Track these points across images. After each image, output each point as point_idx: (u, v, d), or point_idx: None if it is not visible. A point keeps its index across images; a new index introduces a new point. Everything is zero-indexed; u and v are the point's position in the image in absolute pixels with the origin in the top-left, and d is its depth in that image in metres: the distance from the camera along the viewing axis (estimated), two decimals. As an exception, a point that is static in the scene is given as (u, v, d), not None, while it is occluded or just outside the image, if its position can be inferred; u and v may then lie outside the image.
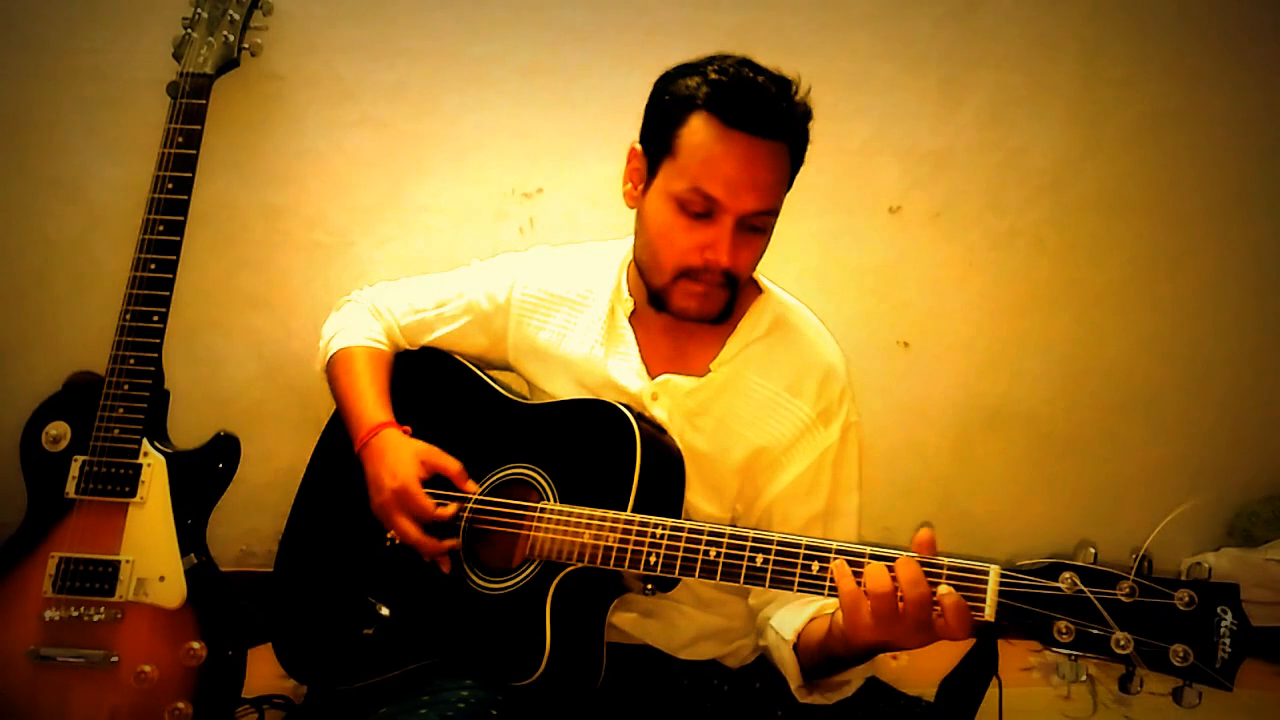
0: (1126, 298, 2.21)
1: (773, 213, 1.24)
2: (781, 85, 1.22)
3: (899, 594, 0.99)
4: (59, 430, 1.55)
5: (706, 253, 1.22)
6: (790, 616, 1.24)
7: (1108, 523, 2.25)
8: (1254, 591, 2.10)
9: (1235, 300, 2.23)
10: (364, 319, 1.52)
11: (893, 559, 1.02)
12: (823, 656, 1.17)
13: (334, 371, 1.48)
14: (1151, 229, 2.18)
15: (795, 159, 1.25)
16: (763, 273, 1.42)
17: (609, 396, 1.33)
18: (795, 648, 1.21)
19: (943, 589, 0.99)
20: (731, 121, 1.18)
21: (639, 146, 1.29)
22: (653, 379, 1.34)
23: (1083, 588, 0.94)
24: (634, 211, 1.32)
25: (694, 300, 1.26)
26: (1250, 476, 2.30)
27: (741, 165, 1.18)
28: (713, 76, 1.20)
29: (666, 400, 1.33)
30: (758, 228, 1.24)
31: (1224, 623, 0.90)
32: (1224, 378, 2.26)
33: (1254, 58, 2.11)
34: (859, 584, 1.02)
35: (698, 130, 1.20)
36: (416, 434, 1.38)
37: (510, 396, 1.42)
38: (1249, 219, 2.20)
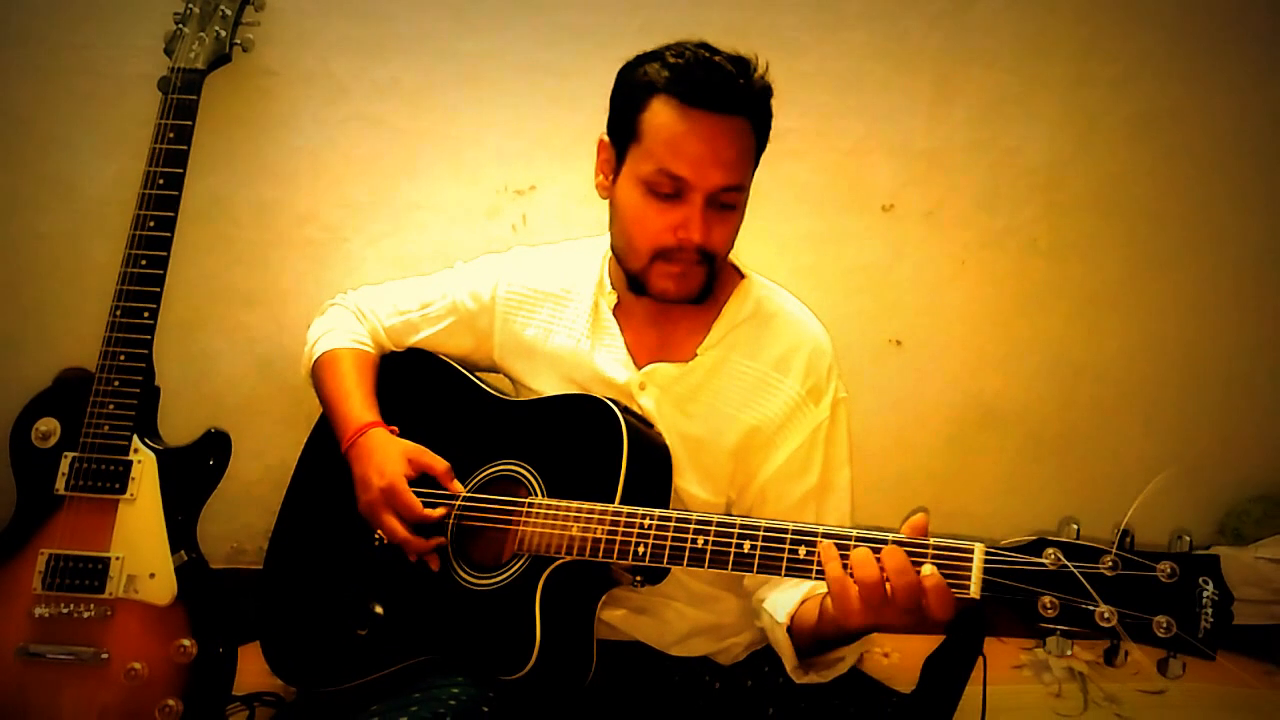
0: (1119, 297, 2.21)
1: (740, 188, 1.25)
2: (739, 63, 1.23)
3: (886, 580, 1.00)
4: (49, 426, 1.55)
5: (679, 232, 1.23)
6: (782, 598, 1.25)
7: (1100, 520, 2.23)
8: (1244, 590, 2.10)
9: (1228, 299, 2.24)
10: (349, 322, 1.52)
11: (880, 543, 1.03)
12: (815, 639, 1.18)
13: (320, 374, 1.48)
14: (1144, 228, 2.19)
15: (759, 134, 1.26)
16: (756, 270, 1.42)
17: (597, 389, 1.33)
18: (789, 630, 1.22)
19: (926, 569, 1.00)
20: (691, 100, 1.20)
21: (606, 138, 1.31)
22: (640, 369, 1.34)
23: (1066, 563, 0.95)
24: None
25: (672, 281, 1.27)
26: (1241, 475, 2.31)
27: (704, 143, 1.20)
28: (670, 60, 1.23)
29: (655, 389, 1.33)
30: (728, 204, 1.25)
31: (1205, 593, 0.92)
32: (1216, 377, 2.27)
33: (1248, 57, 2.11)
34: (846, 569, 1.02)
35: (659, 113, 1.22)
36: (404, 434, 1.38)
37: (497, 394, 1.42)
38: (1242, 219, 2.20)
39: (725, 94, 1.21)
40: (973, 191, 2.13)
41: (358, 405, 1.40)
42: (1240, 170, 2.18)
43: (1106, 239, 2.18)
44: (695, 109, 1.20)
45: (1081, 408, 2.26)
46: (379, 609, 1.33)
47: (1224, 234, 2.20)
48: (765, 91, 1.26)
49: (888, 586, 1.00)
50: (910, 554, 1.01)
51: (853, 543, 1.04)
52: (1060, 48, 2.08)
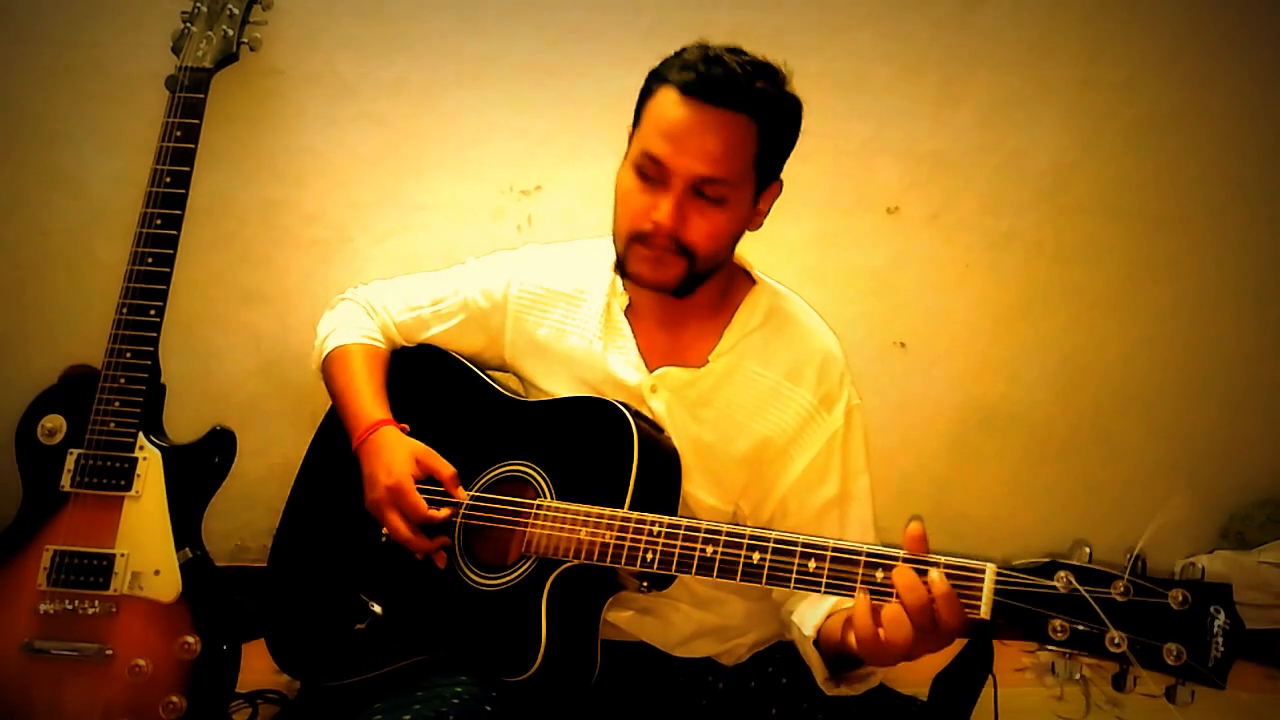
0: (1123, 300, 2.22)
1: (725, 182, 1.23)
2: (757, 66, 1.23)
3: (915, 625, 0.99)
4: (54, 423, 1.55)
5: (654, 214, 1.23)
6: (810, 612, 1.24)
7: (1103, 525, 2.25)
8: (1247, 594, 2.10)
9: (1232, 303, 2.24)
10: (359, 317, 1.52)
11: (891, 559, 1.03)
12: (841, 655, 1.17)
13: (330, 369, 1.48)
14: (1149, 232, 2.19)
15: (765, 137, 1.24)
16: (761, 272, 1.42)
17: (609, 390, 1.33)
18: (817, 643, 1.22)
19: (933, 574, 0.99)
20: (688, 90, 1.21)
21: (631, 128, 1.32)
22: (651, 372, 1.34)
23: (1078, 586, 0.95)
24: None
25: (646, 265, 1.27)
26: (1244, 479, 2.31)
27: (688, 128, 1.21)
28: (687, 56, 1.24)
29: (665, 393, 1.33)
30: (709, 197, 1.23)
31: (1217, 622, 0.91)
32: (1220, 381, 2.27)
33: (1253, 60, 2.12)
34: (875, 621, 1.02)
35: (660, 100, 1.24)
36: (414, 431, 1.38)
37: (507, 394, 1.42)
38: (1247, 222, 2.20)
39: (722, 87, 1.20)
40: (978, 194, 2.13)
41: (369, 402, 1.40)
42: (1244, 174, 2.18)
43: (1111, 242, 2.18)
44: (691, 98, 1.21)
45: (1084, 411, 2.26)
46: (376, 608, 1.33)
47: (1228, 238, 2.21)
48: (778, 95, 1.25)
49: (914, 629, 0.99)
50: (919, 571, 1.01)
51: (862, 559, 1.04)
52: (1065, 51, 2.08)
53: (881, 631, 1.01)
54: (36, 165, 1.91)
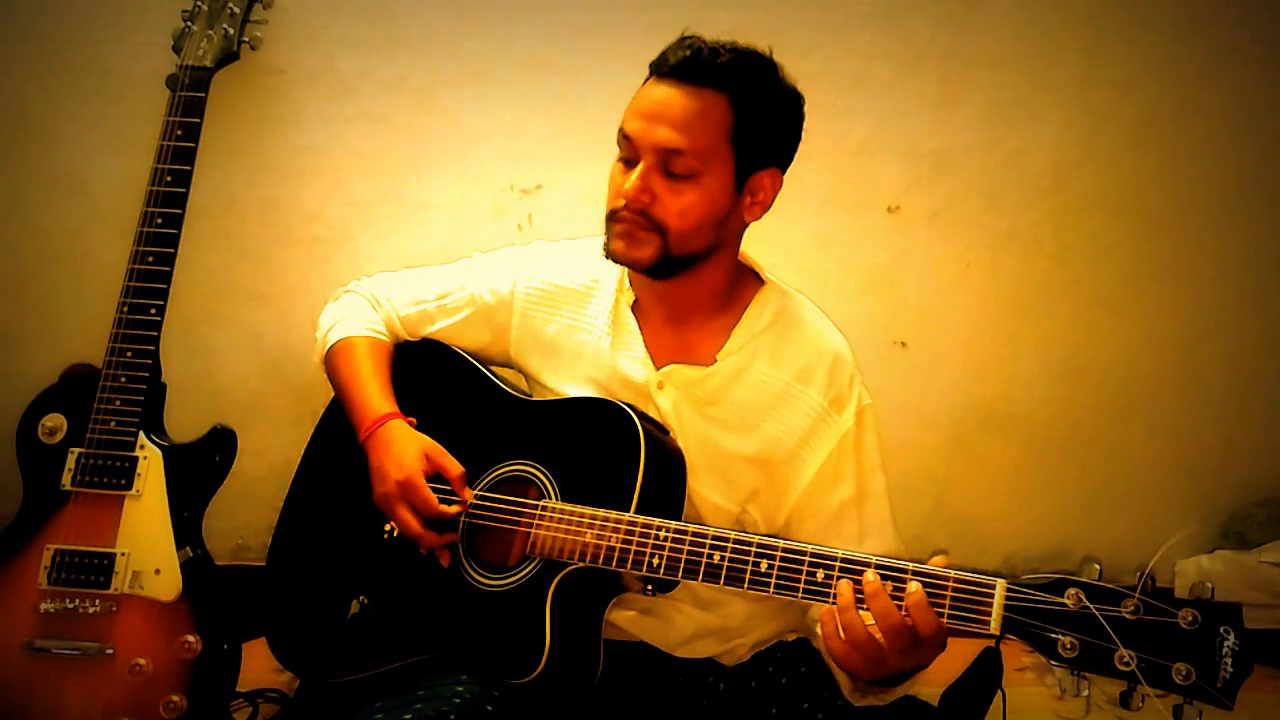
0: (1124, 299, 2.21)
1: (690, 155, 1.22)
2: (730, 47, 1.25)
3: (875, 628, 1.01)
4: (55, 422, 1.55)
5: (623, 189, 1.25)
6: None
7: (1103, 524, 2.25)
8: (1247, 594, 2.10)
9: (1233, 302, 2.24)
10: (363, 309, 1.51)
11: (901, 573, 1.03)
12: None
13: (335, 362, 1.47)
14: (1150, 230, 2.18)
15: (739, 111, 1.24)
16: (762, 272, 1.42)
17: (616, 386, 1.34)
18: None
19: (911, 586, 1.01)
20: (659, 71, 1.26)
21: None
22: (658, 369, 1.34)
23: (1088, 604, 0.95)
24: None
25: (620, 241, 1.27)
26: (1245, 479, 2.31)
27: (654, 102, 1.24)
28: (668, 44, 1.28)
29: (672, 390, 1.33)
30: (678, 173, 1.23)
31: (1226, 643, 0.91)
32: (1220, 379, 2.27)
33: (1252, 60, 2.11)
34: (840, 634, 1.04)
35: (641, 88, 1.28)
36: (417, 427, 1.38)
37: (512, 392, 1.41)
38: (1247, 221, 2.20)
39: (687, 65, 1.23)
40: (978, 193, 2.13)
41: (375, 395, 1.40)
42: (1244, 173, 2.18)
43: (1111, 241, 2.18)
44: (662, 78, 1.25)
45: (1085, 410, 2.26)
46: (364, 600, 1.33)
47: (1228, 236, 2.20)
48: (753, 74, 1.25)
49: (879, 635, 1.01)
50: (929, 587, 1.02)
51: (871, 569, 1.04)
52: (1066, 50, 2.08)
53: (839, 642, 1.03)
54: (36, 164, 1.91)
